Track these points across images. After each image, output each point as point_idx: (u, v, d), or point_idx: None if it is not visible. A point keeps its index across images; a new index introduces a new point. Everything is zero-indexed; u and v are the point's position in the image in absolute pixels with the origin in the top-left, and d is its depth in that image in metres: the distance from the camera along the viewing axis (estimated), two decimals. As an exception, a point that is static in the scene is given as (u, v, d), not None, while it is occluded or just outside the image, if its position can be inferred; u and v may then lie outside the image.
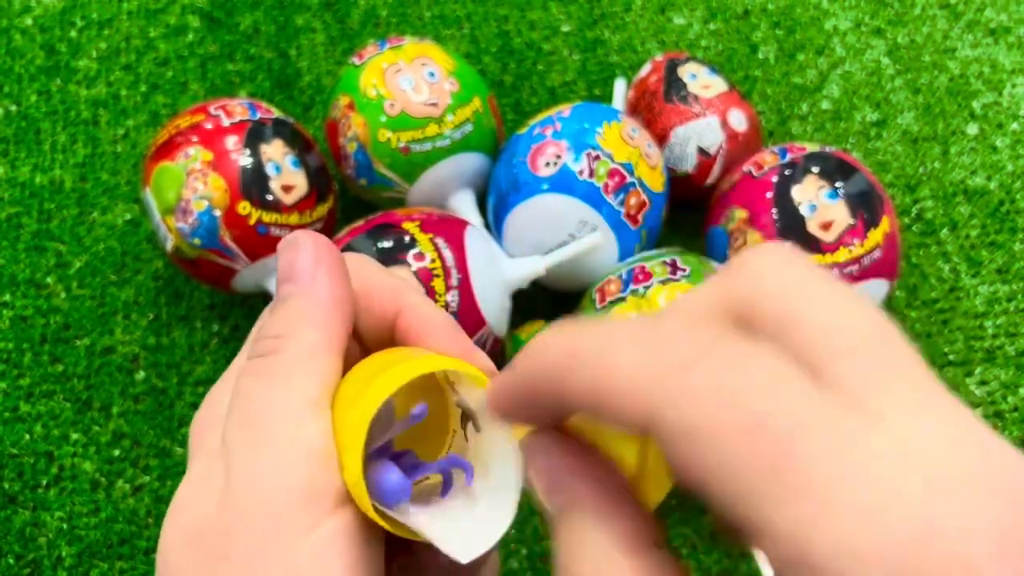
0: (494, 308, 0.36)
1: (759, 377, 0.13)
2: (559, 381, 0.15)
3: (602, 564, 0.14)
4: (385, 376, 0.17)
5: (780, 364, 0.13)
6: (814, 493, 0.12)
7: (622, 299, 0.35)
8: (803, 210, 0.36)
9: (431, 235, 0.35)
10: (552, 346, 0.15)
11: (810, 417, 0.13)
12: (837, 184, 0.36)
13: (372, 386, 0.17)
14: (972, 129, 0.48)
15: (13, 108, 0.49)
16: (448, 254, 0.35)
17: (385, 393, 0.17)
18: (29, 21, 0.51)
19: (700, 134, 0.41)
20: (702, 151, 0.41)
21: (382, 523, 0.17)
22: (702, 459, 0.13)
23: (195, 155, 0.36)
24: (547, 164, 0.37)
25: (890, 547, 0.12)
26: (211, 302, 0.43)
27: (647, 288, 0.35)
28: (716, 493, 0.13)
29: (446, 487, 0.18)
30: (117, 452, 0.40)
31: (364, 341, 0.19)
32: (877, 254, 0.36)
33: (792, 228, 0.36)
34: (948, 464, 0.12)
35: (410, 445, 0.19)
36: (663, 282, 0.35)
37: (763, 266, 0.15)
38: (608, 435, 0.17)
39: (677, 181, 0.41)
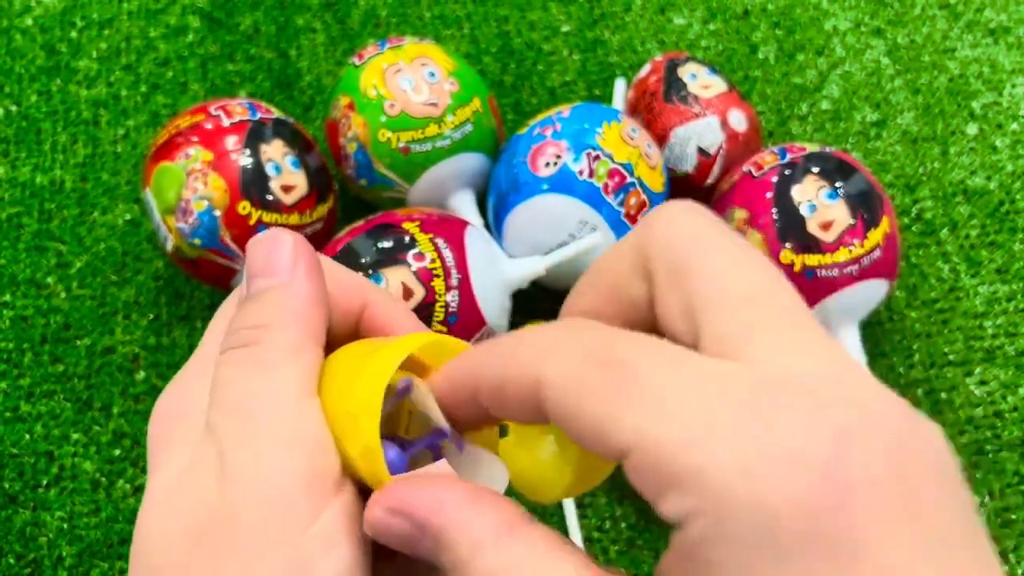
0: (494, 308, 0.36)
1: (623, 336, 0.15)
2: (475, 378, 0.17)
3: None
4: (387, 349, 0.17)
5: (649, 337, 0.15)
6: (647, 401, 0.13)
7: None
8: (803, 210, 0.36)
9: (431, 235, 0.35)
10: (473, 353, 0.17)
11: (664, 354, 0.14)
12: (837, 184, 0.36)
13: (374, 359, 0.17)
14: (972, 129, 0.48)
15: (13, 108, 0.49)
16: (448, 254, 0.35)
17: (396, 360, 0.17)
18: (29, 21, 0.51)
19: (700, 134, 0.41)
20: (702, 151, 0.41)
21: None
22: (571, 402, 0.14)
23: (195, 155, 0.37)
24: (547, 164, 0.37)
25: (721, 447, 0.13)
26: (211, 302, 0.43)
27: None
28: (585, 430, 0.14)
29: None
30: (118, 452, 0.40)
31: (329, 335, 0.19)
32: (877, 254, 0.36)
33: (792, 228, 0.36)
34: (792, 379, 0.13)
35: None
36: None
37: (664, 220, 0.16)
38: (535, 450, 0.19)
39: (677, 181, 0.42)
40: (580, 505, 0.38)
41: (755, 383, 0.13)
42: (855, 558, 0.12)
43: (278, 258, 0.19)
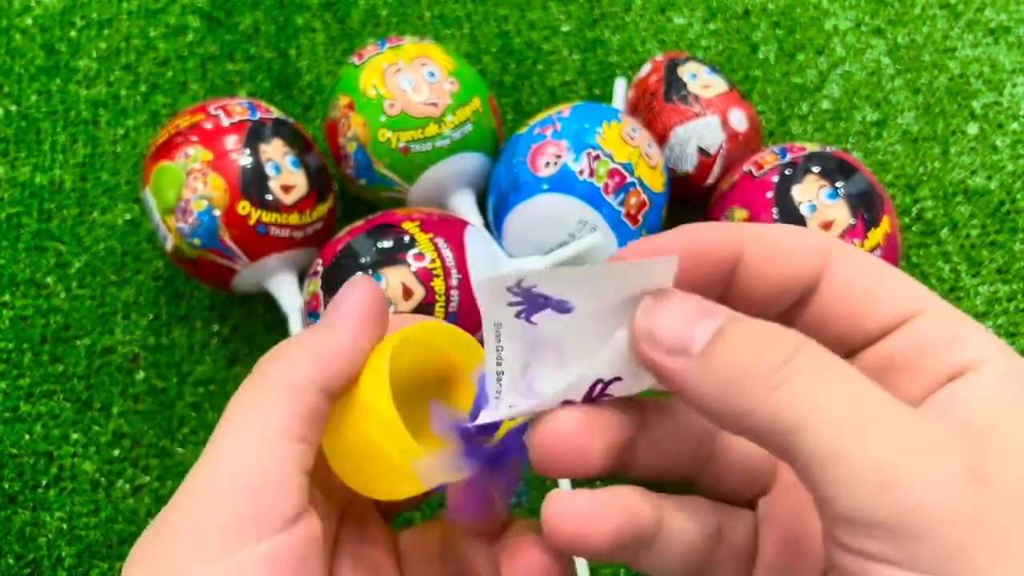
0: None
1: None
2: (739, 238, 0.17)
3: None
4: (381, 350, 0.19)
5: None
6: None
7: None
8: (803, 210, 0.36)
9: (431, 235, 0.35)
10: (723, 226, 0.18)
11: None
12: (837, 184, 0.36)
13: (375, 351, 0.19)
14: (972, 129, 0.48)
15: (13, 108, 0.49)
16: (448, 254, 0.35)
17: (393, 341, 0.18)
18: (29, 21, 0.51)
19: (700, 134, 0.41)
20: (702, 151, 0.41)
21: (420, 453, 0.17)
22: (872, 271, 0.17)
23: (195, 155, 0.36)
24: (547, 164, 0.37)
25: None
26: (211, 302, 0.43)
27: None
28: (881, 290, 0.17)
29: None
30: (117, 452, 0.40)
31: None
32: (877, 254, 0.36)
33: (792, 228, 0.36)
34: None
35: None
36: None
37: None
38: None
39: (677, 181, 0.41)
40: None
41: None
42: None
43: (340, 303, 0.19)
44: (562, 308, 0.16)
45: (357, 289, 0.19)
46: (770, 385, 0.15)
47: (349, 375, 0.19)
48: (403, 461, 0.18)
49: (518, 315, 0.16)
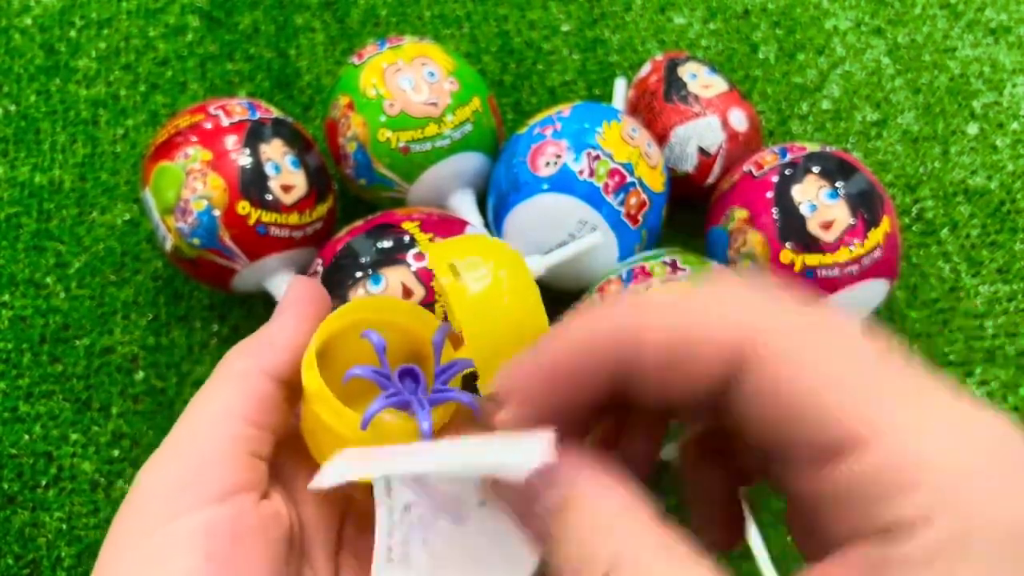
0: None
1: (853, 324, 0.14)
2: (633, 333, 0.14)
3: (635, 542, 0.14)
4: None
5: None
6: (906, 397, 0.13)
7: (622, 299, 0.35)
8: (803, 210, 0.36)
9: (431, 235, 0.35)
10: (614, 310, 0.15)
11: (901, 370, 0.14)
12: (837, 184, 0.36)
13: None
14: (972, 129, 0.48)
15: (12, 108, 0.49)
16: (448, 254, 0.35)
17: (330, 322, 0.21)
18: (28, 21, 0.51)
19: (700, 134, 0.41)
20: (702, 151, 0.41)
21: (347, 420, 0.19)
22: (803, 370, 0.13)
23: (194, 155, 0.36)
24: (547, 164, 0.37)
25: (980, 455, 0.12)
26: (210, 302, 0.43)
27: (647, 288, 0.35)
28: (814, 406, 0.13)
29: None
30: (116, 452, 0.40)
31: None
32: (877, 254, 0.36)
33: (792, 228, 0.36)
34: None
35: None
36: (663, 282, 0.35)
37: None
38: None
39: (677, 181, 0.41)
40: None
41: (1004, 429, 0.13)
42: None
43: (282, 300, 0.23)
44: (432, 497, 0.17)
45: (294, 286, 0.22)
46: None
47: (292, 360, 0.21)
48: (340, 427, 0.19)
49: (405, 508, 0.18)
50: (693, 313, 0.14)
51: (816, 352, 0.13)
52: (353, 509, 0.22)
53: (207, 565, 0.17)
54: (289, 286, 0.22)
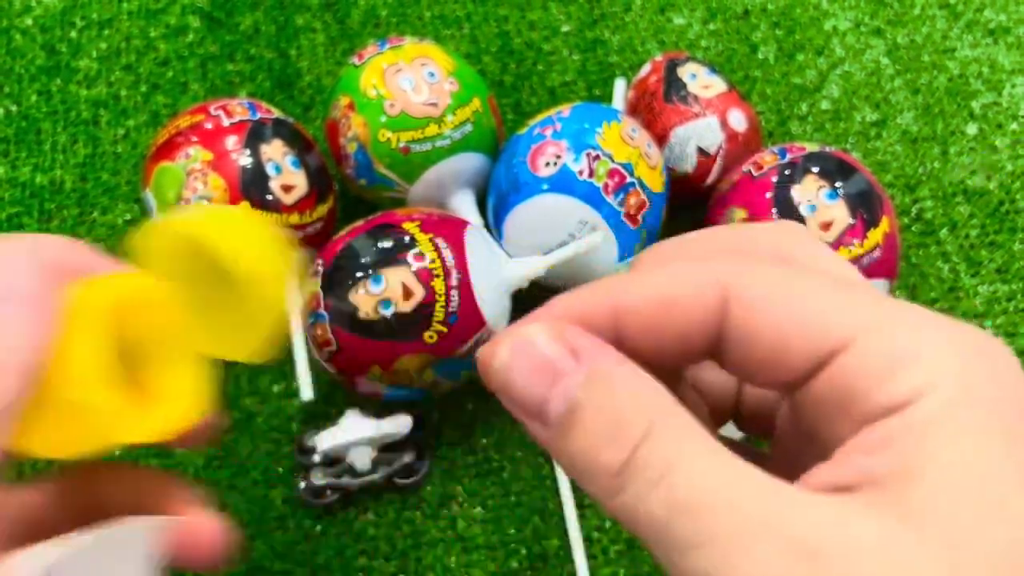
0: (494, 308, 0.36)
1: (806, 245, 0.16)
2: (618, 306, 0.15)
3: (667, 411, 0.14)
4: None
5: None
6: (872, 298, 0.14)
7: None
8: (803, 210, 0.36)
9: (431, 235, 0.35)
10: (604, 286, 0.16)
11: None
12: (837, 184, 0.36)
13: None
14: (971, 129, 0.48)
15: (13, 108, 0.49)
16: (448, 254, 0.35)
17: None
18: (29, 21, 0.51)
19: (700, 134, 0.41)
20: (702, 151, 0.41)
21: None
22: (778, 301, 0.14)
23: (195, 155, 0.37)
24: (547, 164, 0.37)
25: None
26: (211, 302, 0.43)
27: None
28: (799, 326, 0.14)
29: None
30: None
31: None
32: (877, 254, 0.36)
33: (792, 228, 0.36)
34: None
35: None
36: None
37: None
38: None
39: (677, 181, 0.42)
40: (580, 505, 0.38)
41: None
42: None
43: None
44: None
45: None
46: (609, 490, 0.14)
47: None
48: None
49: None
50: (666, 279, 0.15)
51: (792, 285, 0.14)
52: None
53: None
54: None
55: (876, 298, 0.14)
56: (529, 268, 0.37)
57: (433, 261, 0.34)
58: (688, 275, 0.15)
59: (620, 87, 0.48)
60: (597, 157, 0.37)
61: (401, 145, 0.38)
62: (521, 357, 0.15)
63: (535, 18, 0.52)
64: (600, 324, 0.15)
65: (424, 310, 0.34)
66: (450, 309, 0.34)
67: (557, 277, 0.39)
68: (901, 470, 0.13)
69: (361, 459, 0.37)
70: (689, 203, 0.43)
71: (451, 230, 0.36)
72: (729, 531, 0.12)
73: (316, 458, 0.37)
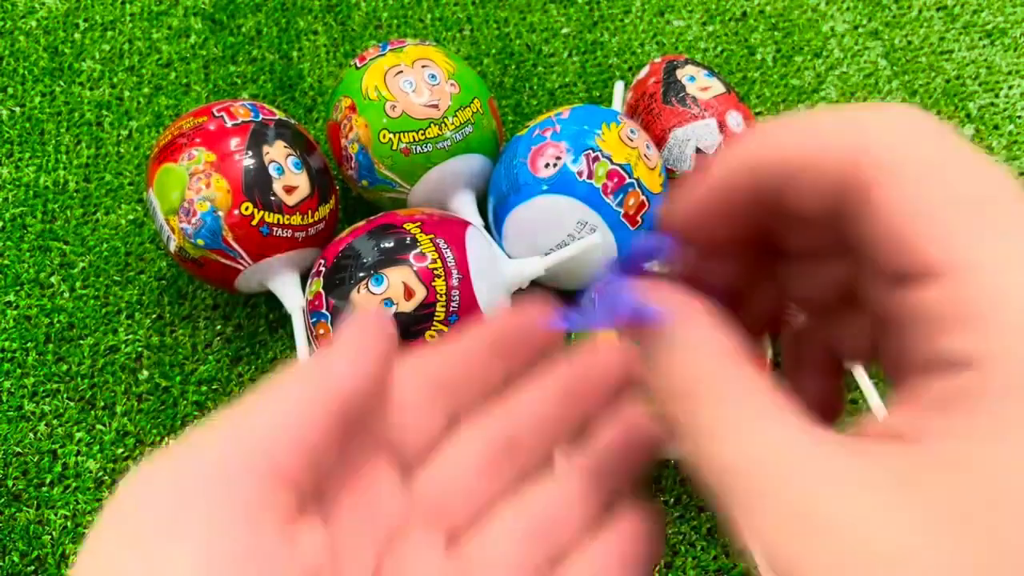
0: (495, 308, 0.36)
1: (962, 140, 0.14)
2: (756, 159, 0.15)
3: (715, 371, 0.15)
4: None
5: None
6: (994, 232, 0.13)
7: (621, 299, 0.35)
8: (800, 211, 0.36)
9: (432, 235, 0.35)
10: (744, 141, 0.16)
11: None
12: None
13: None
14: (968, 131, 0.48)
15: (18, 110, 0.49)
16: (449, 254, 0.35)
17: None
18: (33, 23, 0.52)
19: (698, 135, 0.41)
20: (700, 152, 0.41)
21: None
22: (907, 197, 0.13)
23: (198, 156, 0.37)
24: (547, 165, 0.38)
25: None
26: (214, 302, 0.43)
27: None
28: (907, 228, 0.13)
29: None
30: (121, 450, 0.40)
31: None
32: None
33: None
34: None
35: None
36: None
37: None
38: None
39: (676, 182, 0.42)
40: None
41: None
42: None
43: (345, 333, 0.20)
44: None
45: (358, 318, 0.19)
46: (685, 433, 0.15)
47: (352, 390, 0.18)
48: None
49: None
50: (808, 135, 0.15)
51: (916, 184, 0.13)
52: (392, 544, 0.20)
53: None
54: (353, 318, 0.20)
55: (997, 224, 0.13)
56: (529, 268, 0.38)
57: (434, 261, 0.35)
58: (823, 137, 0.15)
59: (619, 89, 0.48)
60: (596, 158, 0.37)
61: (402, 146, 0.39)
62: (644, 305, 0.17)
63: (535, 21, 0.52)
64: (742, 180, 0.16)
65: (426, 310, 0.34)
66: (451, 308, 0.34)
67: (557, 277, 0.39)
68: (951, 449, 0.12)
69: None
70: (688, 204, 0.43)
71: (452, 230, 0.36)
72: (750, 490, 0.13)
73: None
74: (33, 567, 0.38)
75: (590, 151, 0.37)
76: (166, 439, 0.40)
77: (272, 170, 0.37)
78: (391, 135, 0.39)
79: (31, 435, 0.40)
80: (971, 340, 0.12)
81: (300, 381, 0.17)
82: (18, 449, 0.40)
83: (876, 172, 0.14)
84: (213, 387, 0.41)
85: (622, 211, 0.37)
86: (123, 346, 0.42)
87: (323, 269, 0.36)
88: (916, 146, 0.14)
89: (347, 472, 0.19)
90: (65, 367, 0.42)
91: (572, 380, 0.20)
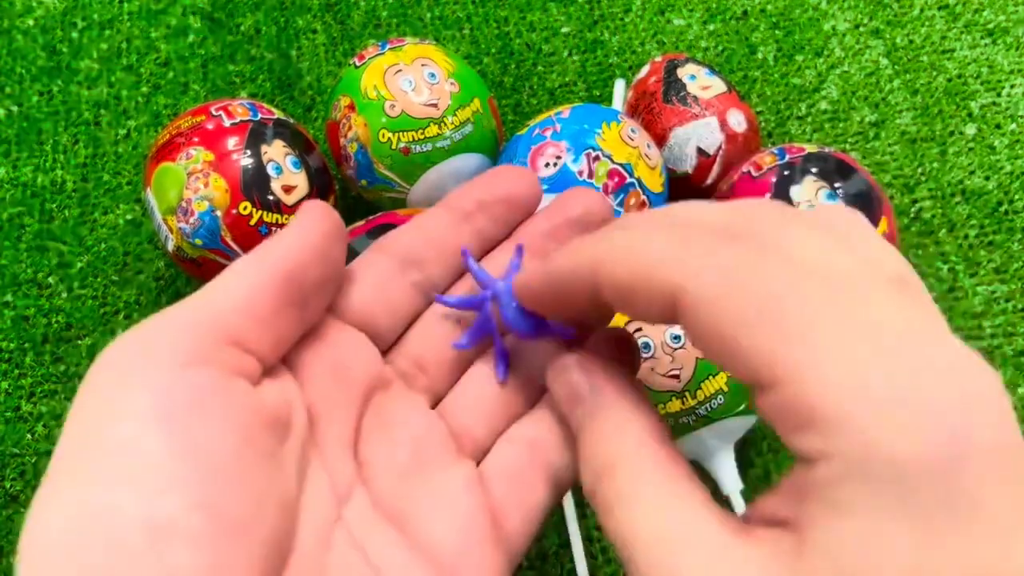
0: (494, 308, 0.36)
1: (771, 254, 0.15)
2: (593, 273, 0.17)
3: (634, 450, 0.17)
4: None
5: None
6: (802, 339, 0.14)
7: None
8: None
9: (431, 235, 0.35)
10: (588, 244, 0.18)
11: (819, 289, 0.14)
12: (836, 185, 0.36)
13: None
14: (970, 130, 0.48)
15: (15, 109, 0.49)
16: (448, 254, 0.35)
17: None
18: (30, 22, 0.52)
19: (699, 135, 0.41)
20: (701, 151, 0.41)
21: None
22: (720, 323, 0.15)
23: (196, 156, 0.37)
24: (547, 165, 0.37)
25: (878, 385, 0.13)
26: (212, 302, 0.43)
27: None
28: (727, 353, 0.15)
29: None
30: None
31: None
32: (875, 254, 0.36)
33: (791, 228, 0.36)
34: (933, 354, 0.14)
35: None
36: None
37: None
38: None
39: (676, 181, 0.42)
40: (580, 505, 0.38)
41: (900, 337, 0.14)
42: (973, 513, 0.13)
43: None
44: None
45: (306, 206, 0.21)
46: (603, 503, 0.17)
47: (303, 260, 0.20)
48: None
49: None
50: (639, 258, 0.16)
51: (735, 298, 0.14)
52: (373, 400, 0.21)
53: (157, 427, 0.15)
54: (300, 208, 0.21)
55: (820, 315, 0.14)
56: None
57: (433, 261, 0.34)
58: (650, 261, 0.16)
59: (619, 88, 0.48)
60: (597, 158, 0.37)
61: (401, 146, 0.39)
62: (559, 381, 0.19)
63: (535, 19, 0.52)
64: (579, 283, 0.18)
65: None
66: (450, 309, 0.34)
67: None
68: (808, 537, 0.14)
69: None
70: (688, 203, 0.43)
71: (451, 230, 0.36)
72: (651, 563, 0.15)
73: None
74: (30, 569, 0.37)
75: (591, 150, 0.37)
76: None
77: (270, 169, 0.37)
78: (390, 134, 0.38)
79: (28, 436, 0.40)
80: (814, 440, 0.14)
81: (250, 259, 0.19)
82: (15, 450, 0.40)
83: (693, 298, 0.15)
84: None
85: (623, 211, 0.37)
86: (121, 346, 0.42)
87: (322, 269, 0.36)
88: (728, 264, 0.15)
89: (317, 344, 0.20)
90: (63, 368, 0.42)
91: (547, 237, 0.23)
